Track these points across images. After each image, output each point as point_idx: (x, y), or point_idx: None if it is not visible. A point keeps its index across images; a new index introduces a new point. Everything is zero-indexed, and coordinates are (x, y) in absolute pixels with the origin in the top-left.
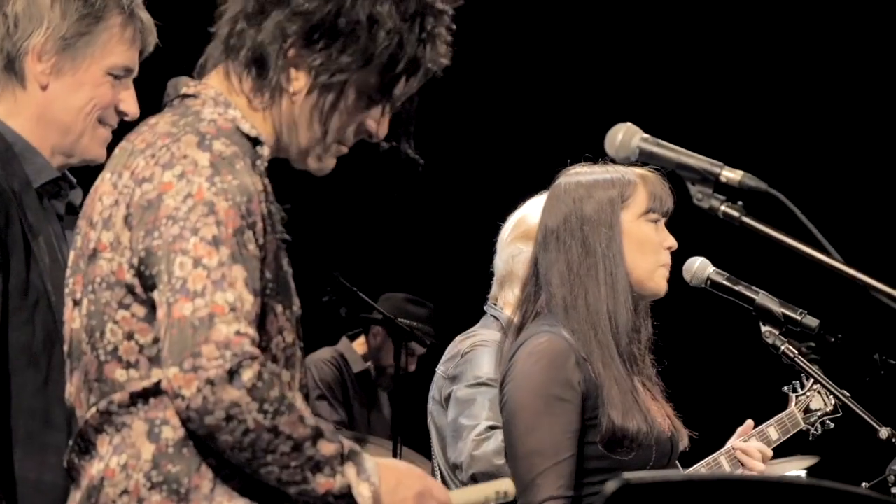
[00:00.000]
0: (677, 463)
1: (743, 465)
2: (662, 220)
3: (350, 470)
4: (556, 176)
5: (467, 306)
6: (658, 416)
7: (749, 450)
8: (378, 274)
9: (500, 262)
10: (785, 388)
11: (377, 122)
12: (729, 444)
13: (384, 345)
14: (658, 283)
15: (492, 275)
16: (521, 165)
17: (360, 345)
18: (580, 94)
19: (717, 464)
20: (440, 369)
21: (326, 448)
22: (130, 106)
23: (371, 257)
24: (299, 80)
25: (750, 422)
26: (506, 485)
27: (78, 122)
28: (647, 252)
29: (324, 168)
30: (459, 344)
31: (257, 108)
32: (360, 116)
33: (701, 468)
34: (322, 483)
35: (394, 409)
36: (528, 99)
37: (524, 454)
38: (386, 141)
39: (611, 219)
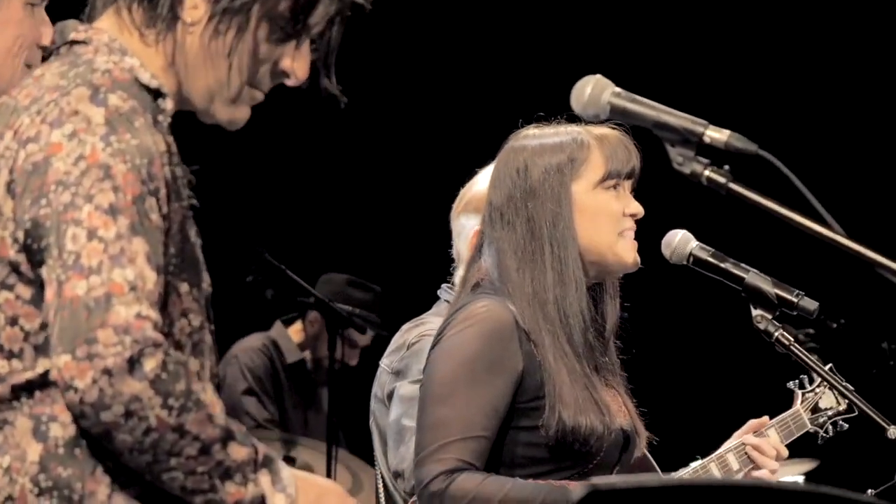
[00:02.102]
0: (653, 464)
1: (754, 462)
2: (626, 184)
3: (264, 478)
4: (505, 142)
5: (422, 291)
6: (618, 412)
7: (763, 446)
8: (320, 252)
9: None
10: (790, 384)
11: (293, 60)
12: (737, 440)
13: (321, 333)
14: (621, 255)
15: (450, 254)
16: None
17: (296, 331)
18: (543, 44)
19: (724, 462)
20: (384, 362)
21: (238, 452)
22: (49, 39)
23: (312, 232)
24: (197, 9)
25: (765, 418)
26: None
27: (6, 65)
28: (602, 224)
29: (235, 119)
30: (406, 334)
31: (149, 43)
32: (273, 53)
33: (707, 465)
34: (232, 492)
35: (330, 408)
36: (485, 51)
37: (429, 424)
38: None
39: (558, 192)
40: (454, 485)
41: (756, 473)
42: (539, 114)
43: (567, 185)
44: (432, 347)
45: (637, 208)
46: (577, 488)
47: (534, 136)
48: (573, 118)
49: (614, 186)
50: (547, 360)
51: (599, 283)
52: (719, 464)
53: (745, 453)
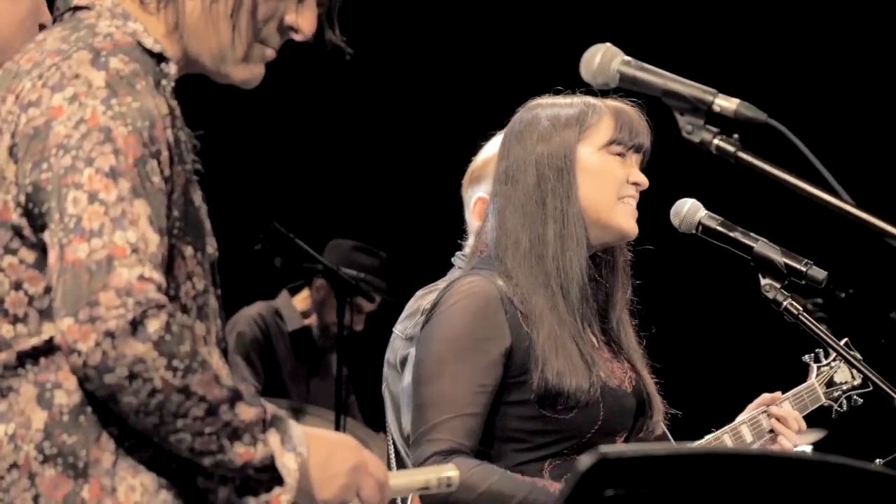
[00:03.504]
0: (668, 434)
1: (777, 432)
2: (633, 156)
3: (273, 438)
4: (521, 107)
5: (431, 257)
6: (615, 376)
7: (786, 417)
8: (325, 218)
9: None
10: (805, 357)
11: (297, 14)
12: (752, 412)
13: (328, 299)
14: (619, 218)
15: (457, 221)
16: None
17: (302, 299)
18: (554, 12)
19: (738, 434)
20: (398, 328)
21: (246, 412)
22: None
23: (318, 198)
24: None
25: (778, 393)
26: (450, 471)
27: (18, 37)
28: (603, 184)
29: (250, 78)
30: (420, 300)
31: (151, 11)
32: (276, 9)
33: (720, 437)
34: (241, 453)
35: (338, 375)
36: (499, 16)
37: (419, 404)
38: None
39: (565, 149)
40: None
41: (776, 446)
42: (558, 87)
43: (574, 143)
44: (423, 326)
45: (641, 178)
46: (557, 490)
47: (549, 105)
48: (588, 92)
49: (620, 154)
50: (536, 318)
51: (609, 256)
52: (733, 436)
53: (762, 425)
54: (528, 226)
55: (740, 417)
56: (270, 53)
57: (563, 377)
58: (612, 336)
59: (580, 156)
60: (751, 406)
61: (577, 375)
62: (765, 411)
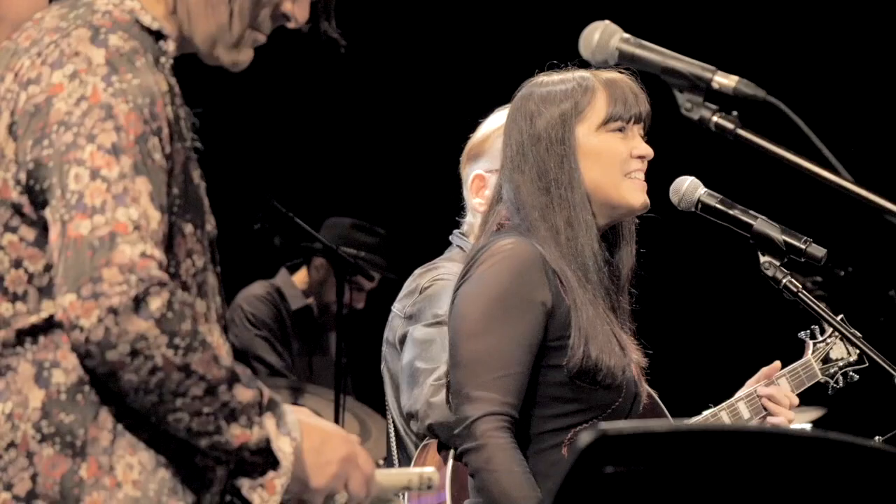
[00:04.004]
0: (664, 410)
1: (768, 411)
2: (633, 127)
3: (269, 421)
4: (519, 88)
5: (430, 235)
6: (634, 353)
7: (776, 395)
8: (324, 196)
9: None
10: (801, 334)
11: (293, 3)
12: (749, 388)
13: (327, 278)
14: (627, 195)
15: (454, 198)
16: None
17: (301, 278)
18: None
19: (735, 410)
20: (396, 307)
21: (243, 394)
22: None
23: (316, 176)
24: None
25: (777, 363)
26: (431, 473)
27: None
28: (607, 164)
29: (239, 61)
30: (418, 278)
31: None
32: None
33: (717, 413)
34: (237, 434)
35: (338, 355)
36: None
37: (467, 361)
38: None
39: (563, 135)
40: (500, 442)
41: (772, 421)
42: (552, 62)
43: (571, 127)
44: (458, 286)
45: (645, 149)
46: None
47: (542, 84)
48: (585, 65)
49: (620, 129)
50: (574, 295)
51: (615, 228)
52: (730, 412)
53: (759, 402)
54: (540, 213)
55: (738, 394)
56: (261, 38)
57: (603, 355)
58: (622, 306)
59: (579, 139)
60: (749, 382)
61: (615, 356)
62: (744, 399)
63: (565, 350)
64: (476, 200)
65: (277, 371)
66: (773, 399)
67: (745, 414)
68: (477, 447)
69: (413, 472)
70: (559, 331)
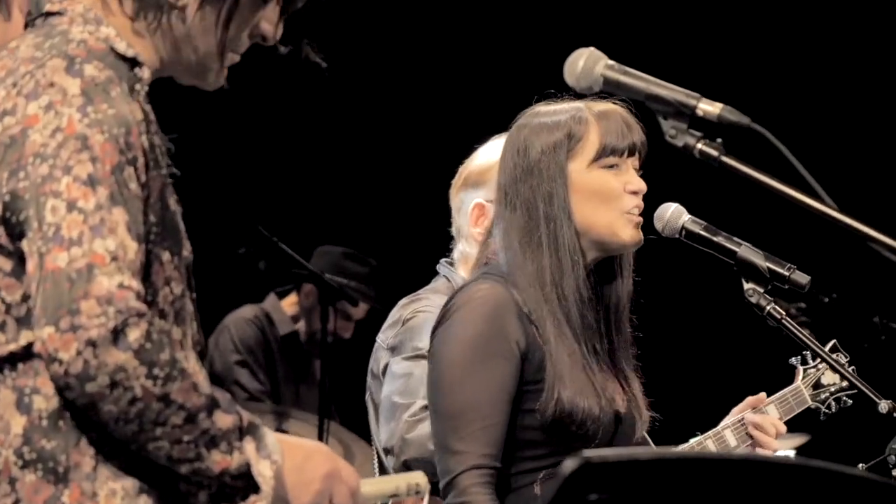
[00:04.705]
0: (648, 439)
1: (755, 440)
2: (627, 161)
3: (249, 446)
4: (515, 119)
5: (418, 265)
6: (617, 395)
7: (763, 423)
8: (318, 224)
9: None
10: (793, 360)
11: (273, 25)
12: (736, 416)
13: (315, 305)
14: (622, 234)
15: (447, 229)
16: (479, 100)
17: (290, 304)
18: (538, 17)
19: (721, 438)
20: (380, 338)
21: (223, 420)
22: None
23: (310, 205)
24: None
25: (762, 395)
26: (419, 478)
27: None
28: (601, 203)
29: (215, 82)
30: (402, 309)
31: (142, 33)
32: (255, 17)
33: (703, 442)
34: (218, 461)
35: (322, 380)
36: (483, 23)
37: (448, 413)
38: (285, 45)
39: (554, 172)
40: (482, 499)
41: (758, 451)
42: (549, 91)
43: (563, 164)
44: (435, 329)
45: (638, 184)
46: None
47: (536, 115)
48: (580, 94)
49: (613, 165)
50: (548, 341)
51: (610, 260)
52: (717, 440)
53: (745, 430)
54: (529, 254)
55: (724, 421)
56: (235, 58)
57: (578, 402)
58: (614, 350)
59: (571, 175)
60: (735, 410)
61: (588, 401)
62: (730, 427)
63: (539, 395)
64: (476, 230)
65: (255, 396)
66: (759, 427)
67: (732, 442)
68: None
69: (400, 479)
70: (533, 375)
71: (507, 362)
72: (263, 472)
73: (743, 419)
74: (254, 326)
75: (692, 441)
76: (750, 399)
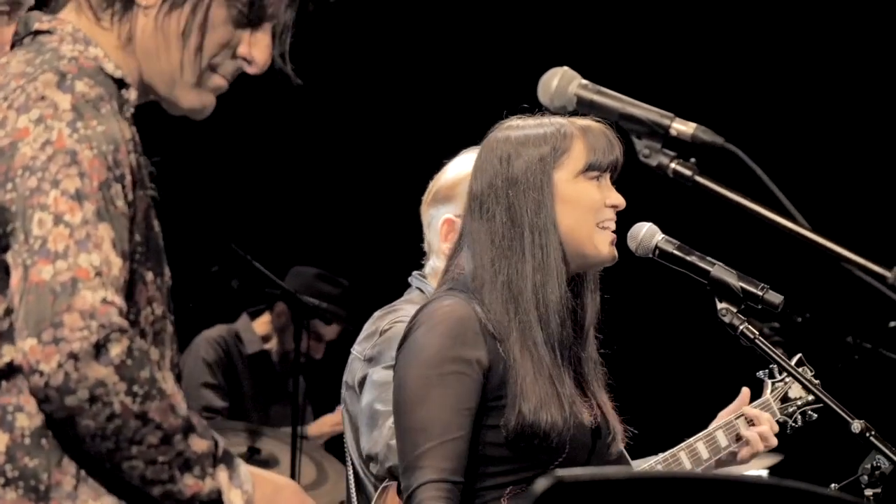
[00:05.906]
0: (626, 456)
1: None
2: (607, 177)
3: (222, 473)
4: (489, 132)
5: (390, 285)
6: (584, 408)
7: (760, 417)
8: (291, 244)
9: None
10: (760, 374)
11: (250, 46)
12: (710, 428)
13: (288, 325)
14: (599, 247)
15: (419, 248)
16: (449, 118)
17: (262, 323)
18: (511, 35)
19: (713, 439)
20: (356, 350)
21: (198, 444)
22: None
23: (283, 225)
24: None
25: (746, 390)
26: None
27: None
28: (582, 212)
29: (200, 106)
30: (378, 321)
31: (106, 27)
32: (231, 37)
33: (676, 454)
34: (190, 484)
35: (293, 399)
36: (455, 42)
37: (407, 429)
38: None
39: (541, 180)
40: None
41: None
42: (523, 105)
43: (549, 173)
44: (399, 347)
45: (618, 199)
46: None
47: (518, 127)
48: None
49: (596, 178)
50: (512, 355)
51: (580, 276)
52: (689, 453)
53: (716, 442)
54: (505, 262)
55: (698, 435)
56: (221, 83)
57: (540, 415)
58: (581, 364)
59: (557, 186)
60: (723, 413)
61: (552, 413)
62: (722, 427)
63: (502, 409)
64: (445, 245)
65: (221, 415)
66: (758, 420)
67: (705, 454)
68: None
69: None
70: (496, 391)
71: (467, 378)
72: (234, 500)
73: (715, 431)
74: (217, 347)
75: (664, 454)
76: (723, 414)
